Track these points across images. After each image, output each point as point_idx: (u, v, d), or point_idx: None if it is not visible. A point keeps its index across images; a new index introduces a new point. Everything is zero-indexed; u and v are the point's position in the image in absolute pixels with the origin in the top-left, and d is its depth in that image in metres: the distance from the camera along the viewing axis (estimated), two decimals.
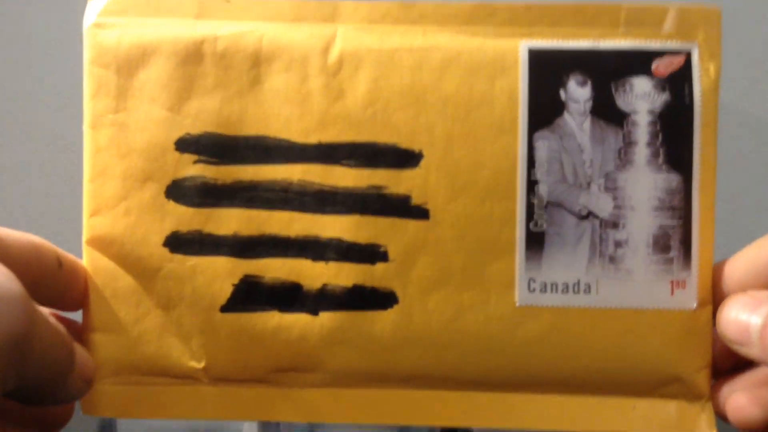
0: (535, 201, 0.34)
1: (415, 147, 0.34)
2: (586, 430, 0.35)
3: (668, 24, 0.35)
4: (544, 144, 0.34)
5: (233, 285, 0.34)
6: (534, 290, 0.34)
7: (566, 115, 0.34)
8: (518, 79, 0.34)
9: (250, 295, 0.34)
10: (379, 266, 0.34)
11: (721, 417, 0.35)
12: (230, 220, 0.34)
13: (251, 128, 0.34)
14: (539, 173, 0.34)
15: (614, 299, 0.34)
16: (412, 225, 0.34)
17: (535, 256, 0.34)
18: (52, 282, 0.33)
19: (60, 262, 0.33)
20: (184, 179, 0.34)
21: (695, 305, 0.34)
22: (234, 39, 0.35)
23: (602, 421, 0.35)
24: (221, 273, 0.34)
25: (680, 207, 0.34)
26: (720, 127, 0.35)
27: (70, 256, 0.34)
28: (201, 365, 0.34)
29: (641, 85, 0.34)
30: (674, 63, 0.34)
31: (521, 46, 0.34)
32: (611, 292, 0.34)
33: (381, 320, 0.34)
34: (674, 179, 0.34)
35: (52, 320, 0.28)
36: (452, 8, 0.35)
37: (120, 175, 0.34)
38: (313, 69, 0.34)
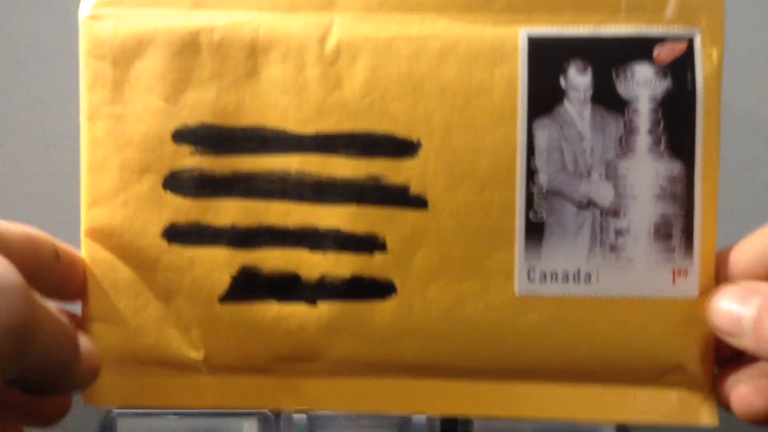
0: (535, 190, 0.33)
1: (413, 136, 0.33)
2: (587, 419, 0.35)
3: (670, 9, 0.34)
4: (543, 132, 0.33)
5: (231, 276, 0.33)
6: (534, 279, 0.34)
7: (566, 103, 0.33)
8: (517, 67, 0.33)
9: (249, 286, 0.33)
10: (378, 256, 0.33)
11: (724, 407, 0.34)
12: (228, 211, 0.33)
13: (248, 119, 0.33)
14: (539, 162, 0.33)
15: (615, 288, 0.34)
16: (410, 215, 0.34)
17: (534, 245, 0.34)
18: (49, 274, 0.32)
19: (57, 254, 0.32)
20: (182, 170, 0.33)
21: (697, 294, 0.34)
22: (230, 29, 0.34)
23: (603, 410, 0.35)
24: (219, 264, 0.33)
25: (682, 195, 0.33)
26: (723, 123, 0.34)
27: (68, 247, 0.34)
28: (200, 356, 0.34)
29: (642, 72, 0.33)
30: (676, 49, 0.33)
31: (521, 34, 0.33)
32: (612, 281, 0.34)
33: (380, 310, 0.34)
34: (676, 167, 0.33)
35: (55, 311, 0.28)
36: None
37: (117, 167, 0.34)
38: (310, 58, 0.34)
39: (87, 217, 0.34)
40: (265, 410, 0.71)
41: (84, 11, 0.34)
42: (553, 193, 0.33)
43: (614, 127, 0.33)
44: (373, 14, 0.34)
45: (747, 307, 0.31)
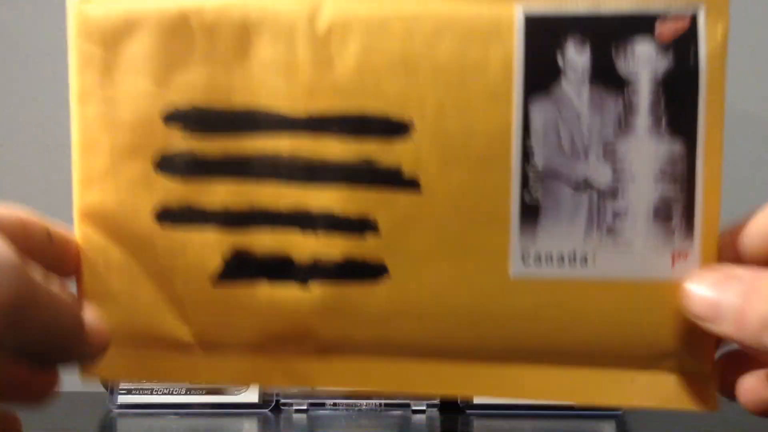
0: (530, 171, 0.32)
1: (406, 117, 0.32)
2: (584, 402, 0.34)
3: None
4: (540, 112, 0.32)
5: (223, 258, 0.33)
6: (528, 262, 0.32)
7: (564, 82, 0.32)
8: (513, 45, 0.32)
9: (241, 268, 0.33)
10: (370, 238, 0.32)
11: (727, 395, 0.33)
12: (219, 193, 0.32)
13: (239, 100, 0.32)
14: (535, 142, 0.32)
15: (612, 270, 0.32)
16: (402, 196, 0.32)
17: (529, 227, 0.32)
18: (42, 255, 0.32)
19: (50, 236, 0.32)
20: (173, 152, 0.32)
21: None
22: (220, 10, 0.32)
23: (600, 393, 0.33)
24: (211, 245, 0.33)
25: (683, 176, 0.32)
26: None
27: (61, 228, 0.33)
28: (193, 335, 0.33)
29: (643, 49, 0.32)
30: (679, 26, 0.31)
31: (517, 11, 0.32)
32: (609, 264, 0.32)
33: (372, 292, 0.32)
34: (677, 147, 0.32)
35: (56, 287, 0.28)
36: None
37: (108, 149, 0.33)
38: (301, 39, 0.32)
39: (79, 199, 0.33)
40: (265, 410, 0.71)
41: None
42: (549, 175, 0.32)
43: (613, 106, 0.32)
44: None
45: (726, 293, 0.30)
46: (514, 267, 0.32)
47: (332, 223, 0.32)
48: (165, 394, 0.71)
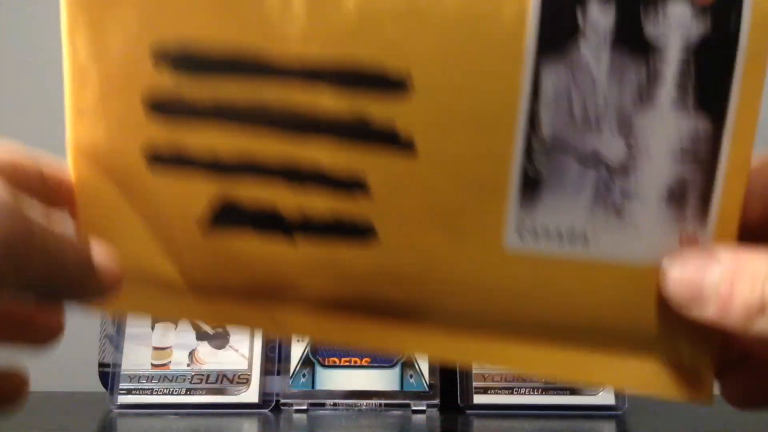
0: (536, 139, 0.28)
1: (405, 71, 0.29)
2: (575, 380, 0.31)
3: None
4: (551, 75, 0.28)
5: (210, 204, 0.31)
6: (525, 236, 0.29)
7: (582, 44, 0.28)
8: None
9: (227, 216, 0.30)
10: (359, 198, 0.30)
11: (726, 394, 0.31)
12: (207, 138, 0.30)
13: (230, 42, 0.30)
14: (543, 108, 0.28)
15: (614, 252, 0.29)
16: (396, 158, 0.29)
17: (529, 199, 0.29)
18: (35, 194, 0.30)
19: (42, 175, 0.31)
20: (161, 93, 0.30)
21: None
22: None
23: (593, 373, 0.31)
24: (199, 192, 0.31)
25: (705, 157, 0.28)
26: None
27: (53, 165, 0.32)
28: (182, 277, 0.31)
29: (677, 11, 0.28)
30: None
31: None
32: (611, 245, 0.29)
33: (358, 253, 0.30)
34: (703, 125, 0.28)
35: (57, 224, 0.27)
36: None
37: (98, 83, 0.31)
38: None
39: (71, 132, 0.31)
40: (265, 410, 0.69)
41: None
42: (556, 145, 0.29)
43: (635, 74, 0.28)
44: None
45: (709, 276, 0.27)
46: (509, 240, 0.29)
47: (321, 179, 0.30)
48: (165, 394, 0.70)
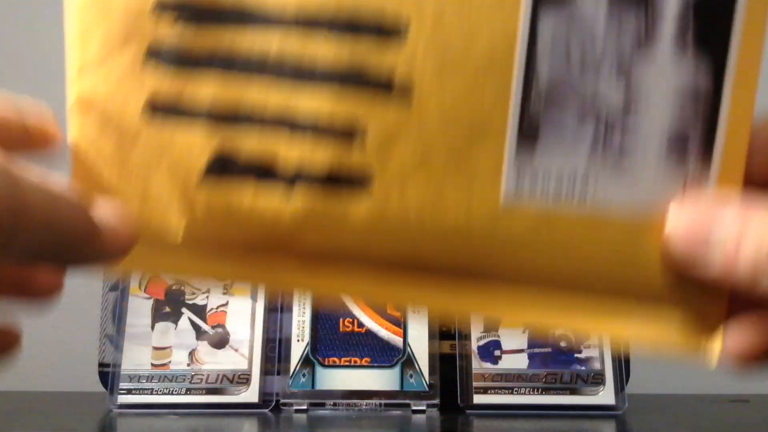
0: (533, 84, 0.28)
1: (403, 17, 0.28)
2: (577, 329, 0.30)
3: None
4: (549, 19, 0.27)
5: (209, 156, 0.30)
6: (523, 185, 0.28)
7: None
8: None
9: (226, 168, 0.30)
10: (356, 148, 0.29)
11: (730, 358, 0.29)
12: (207, 89, 0.30)
13: None
14: (541, 53, 0.28)
15: (614, 200, 0.28)
16: (393, 106, 0.29)
17: (527, 147, 0.28)
18: (21, 149, 0.29)
19: (27, 130, 0.30)
20: (162, 43, 0.30)
21: None
22: None
23: (593, 320, 0.30)
24: (198, 143, 0.30)
25: (707, 103, 0.28)
26: None
27: (37, 116, 0.30)
28: (179, 234, 0.31)
29: None
30: None
31: None
32: (611, 193, 0.28)
33: (355, 205, 0.29)
34: (704, 69, 0.27)
35: (57, 187, 0.25)
36: None
37: (100, 36, 0.30)
38: None
39: (73, 88, 0.31)
40: (265, 410, 0.69)
41: None
42: (554, 90, 0.28)
43: (634, 18, 0.27)
44: None
45: (713, 231, 0.26)
46: (507, 188, 0.29)
47: (319, 129, 0.29)
48: (165, 394, 0.69)
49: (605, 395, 0.68)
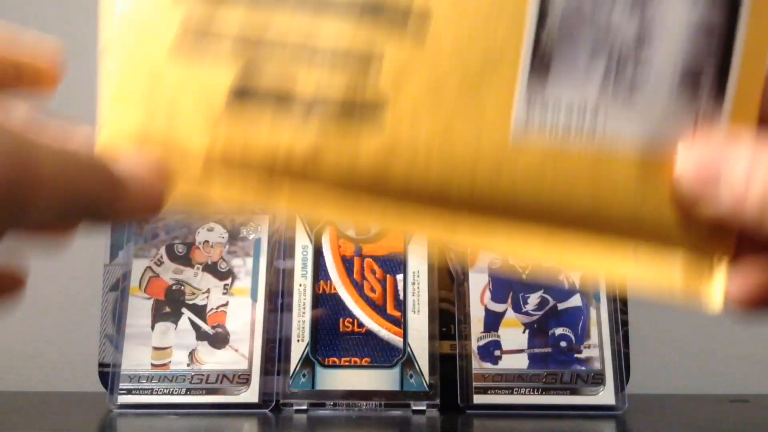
0: (547, 18, 0.28)
1: None
2: (578, 267, 0.29)
3: None
4: None
5: (233, 82, 0.31)
6: (533, 118, 0.28)
7: None
8: None
9: (247, 96, 0.30)
10: (372, 75, 0.29)
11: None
12: (235, 16, 0.30)
13: None
14: None
15: (624, 137, 0.28)
16: (410, 35, 0.29)
17: (540, 77, 0.28)
18: (14, 88, 0.28)
19: (18, 69, 0.28)
20: None
21: None
22: None
23: (596, 260, 0.29)
24: (223, 71, 0.31)
25: (722, 36, 0.27)
26: None
27: (30, 51, 0.29)
28: (204, 153, 0.31)
29: None
30: None
31: None
32: (621, 129, 0.28)
33: (368, 132, 0.29)
34: (719, 4, 0.27)
35: (74, 142, 0.24)
36: None
37: None
38: None
39: (106, 28, 0.31)
40: (265, 410, 0.68)
41: None
42: (567, 23, 0.28)
43: None
44: None
45: (723, 167, 0.25)
46: (517, 122, 0.28)
47: (337, 56, 0.30)
48: (165, 394, 0.68)
49: (605, 395, 0.68)
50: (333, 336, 0.69)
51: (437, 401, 0.67)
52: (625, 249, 0.29)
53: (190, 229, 0.73)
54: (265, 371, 0.69)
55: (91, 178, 0.24)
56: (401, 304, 0.70)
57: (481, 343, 0.70)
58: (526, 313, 0.70)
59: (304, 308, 0.69)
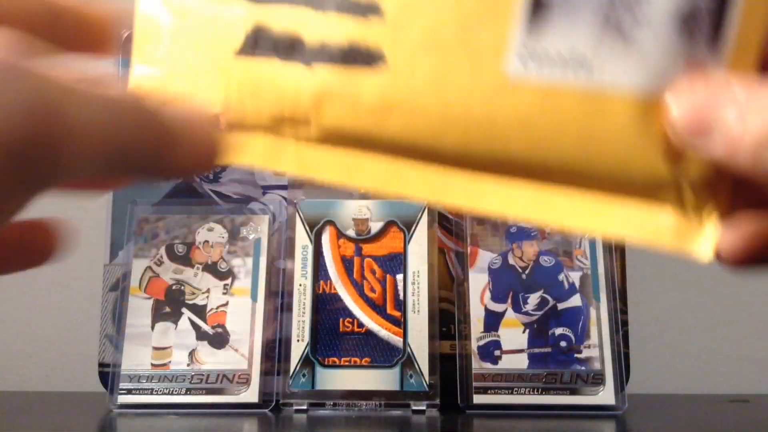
0: None
1: None
2: (568, 226, 0.29)
3: None
4: None
5: (246, 32, 0.31)
6: (528, 60, 0.28)
7: None
8: None
9: (259, 43, 0.31)
10: (374, 22, 0.30)
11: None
12: None
13: None
14: None
15: (620, 80, 0.27)
16: None
17: (536, 22, 0.27)
18: (50, 37, 0.25)
19: (52, 10, 0.26)
20: None
21: None
22: None
23: (586, 218, 0.29)
24: (238, 20, 0.32)
25: None
26: None
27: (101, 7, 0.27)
28: (218, 108, 0.32)
29: None
30: None
31: None
32: (617, 72, 0.27)
33: (369, 80, 0.30)
34: None
35: (111, 88, 0.21)
36: None
37: None
38: None
39: None
40: (265, 410, 0.68)
41: None
42: None
43: None
44: None
45: (717, 104, 0.24)
46: (513, 65, 0.28)
47: (342, 5, 0.30)
48: (165, 394, 0.68)
49: (605, 395, 0.68)
50: (333, 336, 0.69)
51: (437, 401, 0.67)
52: (615, 204, 0.29)
53: (190, 229, 0.73)
54: (265, 371, 0.69)
55: (133, 126, 0.21)
56: (401, 304, 0.70)
57: (481, 343, 0.70)
58: (526, 313, 0.70)
59: (304, 308, 0.69)
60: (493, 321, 0.70)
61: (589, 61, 0.27)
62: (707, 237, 0.27)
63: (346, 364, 0.69)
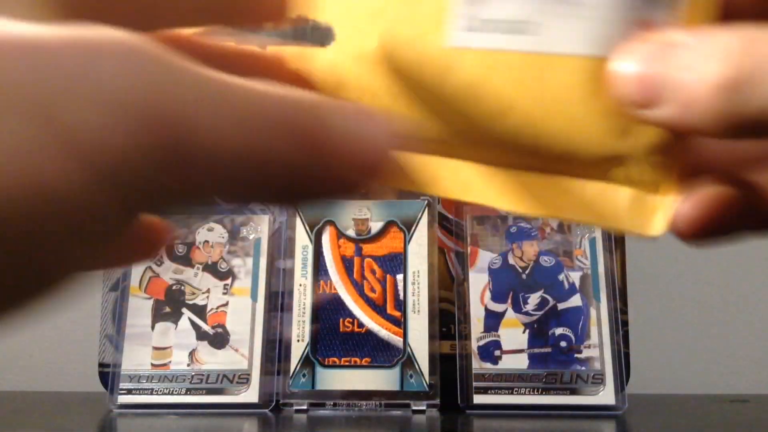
0: None
1: None
2: (525, 211, 0.27)
3: None
4: None
5: None
6: (470, 29, 0.26)
7: None
8: None
9: None
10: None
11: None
12: None
13: None
14: None
15: (565, 44, 0.25)
16: None
17: None
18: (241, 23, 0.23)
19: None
20: None
21: None
22: None
23: (543, 201, 0.27)
24: None
25: None
26: None
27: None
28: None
29: None
30: None
31: None
32: (563, 36, 0.25)
33: (320, 58, 0.28)
34: None
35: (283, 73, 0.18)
36: None
37: None
38: None
39: None
40: (265, 410, 0.68)
41: None
42: None
43: None
44: None
45: (666, 64, 0.22)
46: (453, 32, 0.26)
47: None
48: (165, 394, 0.68)
49: (605, 395, 0.68)
50: (333, 336, 0.69)
51: (437, 401, 0.67)
52: (569, 186, 0.27)
53: (190, 229, 0.73)
54: (265, 371, 0.68)
55: (286, 139, 0.17)
56: (401, 304, 0.70)
57: (481, 343, 0.70)
58: (526, 313, 0.70)
59: (304, 308, 0.69)
60: (493, 321, 0.70)
61: (533, 24, 0.25)
62: (663, 208, 0.25)
63: (346, 364, 0.69)
